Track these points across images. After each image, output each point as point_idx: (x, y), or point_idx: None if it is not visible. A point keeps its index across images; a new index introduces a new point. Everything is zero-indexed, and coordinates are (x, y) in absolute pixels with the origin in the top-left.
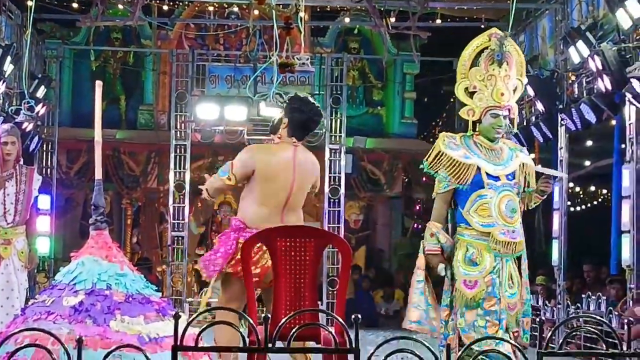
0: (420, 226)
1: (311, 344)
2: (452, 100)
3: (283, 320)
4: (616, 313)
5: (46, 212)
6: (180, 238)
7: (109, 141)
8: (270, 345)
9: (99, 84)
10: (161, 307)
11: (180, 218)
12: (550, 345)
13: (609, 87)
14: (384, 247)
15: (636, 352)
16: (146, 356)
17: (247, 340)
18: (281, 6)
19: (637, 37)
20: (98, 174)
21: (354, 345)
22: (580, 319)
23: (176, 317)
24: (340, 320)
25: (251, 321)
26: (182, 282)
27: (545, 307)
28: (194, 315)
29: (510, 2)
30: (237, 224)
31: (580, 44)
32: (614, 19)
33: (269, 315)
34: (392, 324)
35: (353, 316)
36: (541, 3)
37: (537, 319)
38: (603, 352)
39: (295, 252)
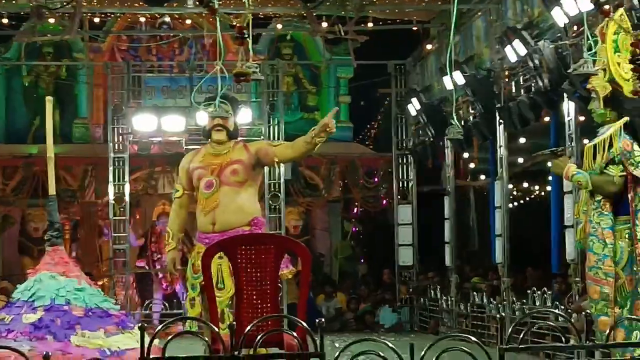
0: (358, 229)
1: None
2: (386, 102)
3: (249, 327)
4: (562, 307)
5: None
6: (121, 251)
7: (44, 156)
8: (236, 352)
9: (49, 100)
10: (120, 320)
11: (121, 231)
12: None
13: (548, 84)
14: (324, 252)
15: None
16: None
17: (211, 348)
18: (231, 16)
19: (574, 35)
20: (52, 190)
21: (319, 349)
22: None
23: (142, 329)
24: (305, 325)
25: (215, 329)
26: (125, 294)
27: (490, 304)
28: (160, 327)
29: (442, 3)
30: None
31: (517, 42)
32: (549, 17)
33: (234, 324)
34: (334, 325)
35: (317, 321)
36: (475, 3)
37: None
38: (564, 345)
39: (256, 259)
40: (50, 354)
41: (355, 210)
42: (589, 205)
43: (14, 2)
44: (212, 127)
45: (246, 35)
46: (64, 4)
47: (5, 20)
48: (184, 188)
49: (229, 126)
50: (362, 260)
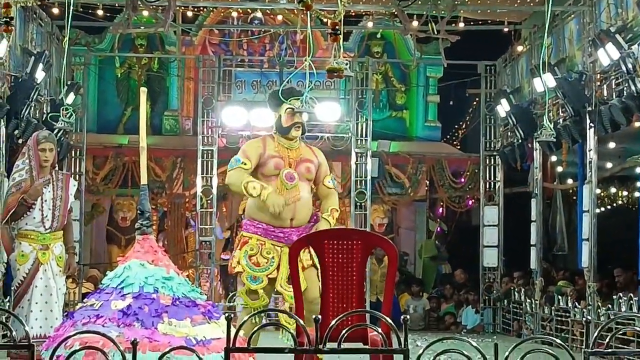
0: (443, 229)
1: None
2: (475, 102)
3: (334, 321)
4: None
5: (75, 218)
6: (207, 243)
7: (135, 147)
8: (320, 346)
9: (143, 91)
10: (207, 310)
11: (208, 223)
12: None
13: None
14: (408, 251)
15: None
16: (199, 357)
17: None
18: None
19: None
20: (143, 179)
21: (403, 346)
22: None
23: (228, 320)
24: (390, 321)
25: (301, 322)
26: (209, 286)
27: (575, 308)
28: (246, 318)
29: (535, 5)
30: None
31: (610, 46)
32: None
33: (320, 317)
34: (420, 326)
35: (402, 317)
36: (568, 6)
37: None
38: None
39: (343, 254)
40: (137, 340)
41: (440, 210)
42: None
43: None
44: (293, 124)
45: (338, 32)
46: None
47: (100, 12)
48: (252, 164)
49: (304, 122)
50: (446, 261)
